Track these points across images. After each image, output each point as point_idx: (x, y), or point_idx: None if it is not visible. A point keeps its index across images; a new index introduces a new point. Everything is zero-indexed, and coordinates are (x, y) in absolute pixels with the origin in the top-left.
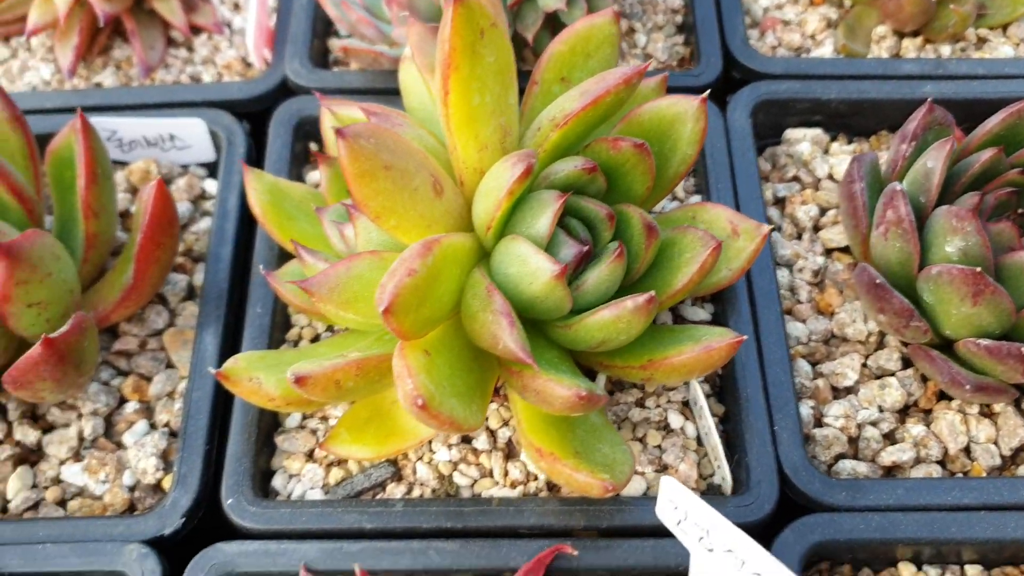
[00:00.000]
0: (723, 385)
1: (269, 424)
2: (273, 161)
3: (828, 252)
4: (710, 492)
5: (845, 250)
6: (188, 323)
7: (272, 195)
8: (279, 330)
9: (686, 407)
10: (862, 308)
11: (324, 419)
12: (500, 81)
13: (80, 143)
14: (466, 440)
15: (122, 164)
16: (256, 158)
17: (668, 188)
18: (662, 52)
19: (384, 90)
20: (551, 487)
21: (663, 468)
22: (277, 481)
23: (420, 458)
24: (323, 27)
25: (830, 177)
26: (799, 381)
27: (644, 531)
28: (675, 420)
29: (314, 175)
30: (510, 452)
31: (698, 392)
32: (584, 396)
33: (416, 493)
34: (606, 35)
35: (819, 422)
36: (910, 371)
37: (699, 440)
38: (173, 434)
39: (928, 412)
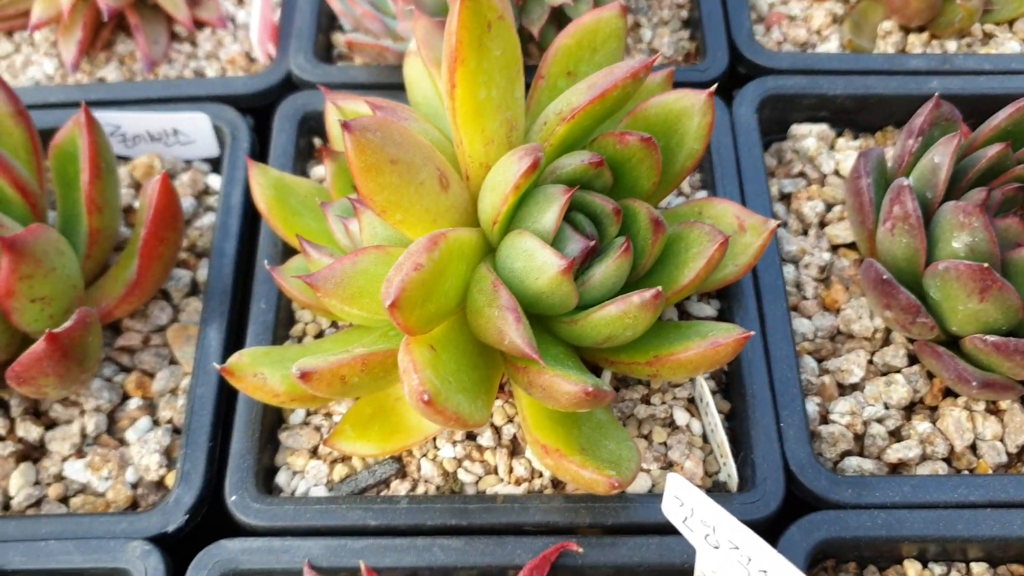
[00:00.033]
0: (729, 382)
1: (273, 421)
2: (277, 156)
3: (834, 248)
4: (716, 489)
5: (851, 246)
6: (192, 319)
7: (277, 190)
8: (283, 326)
9: (692, 404)
10: (868, 304)
11: (328, 416)
12: (507, 75)
13: (84, 138)
14: (471, 437)
15: (125, 159)
16: (260, 153)
17: (674, 183)
18: (667, 47)
19: (388, 85)
20: (556, 484)
21: (669, 465)
22: (281, 478)
23: (425, 455)
24: (327, 22)
25: (836, 173)
26: (805, 378)
27: (649, 528)
28: (681, 417)
29: (318, 170)
30: (515, 449)
31: (704, 389)
32: (591, 392)
33: (420, 490)
34: (613, 29)
35: (825, 419)
36: (916, 368)
37: (705, 437)
38: (176, 431)
39: (934, 409)
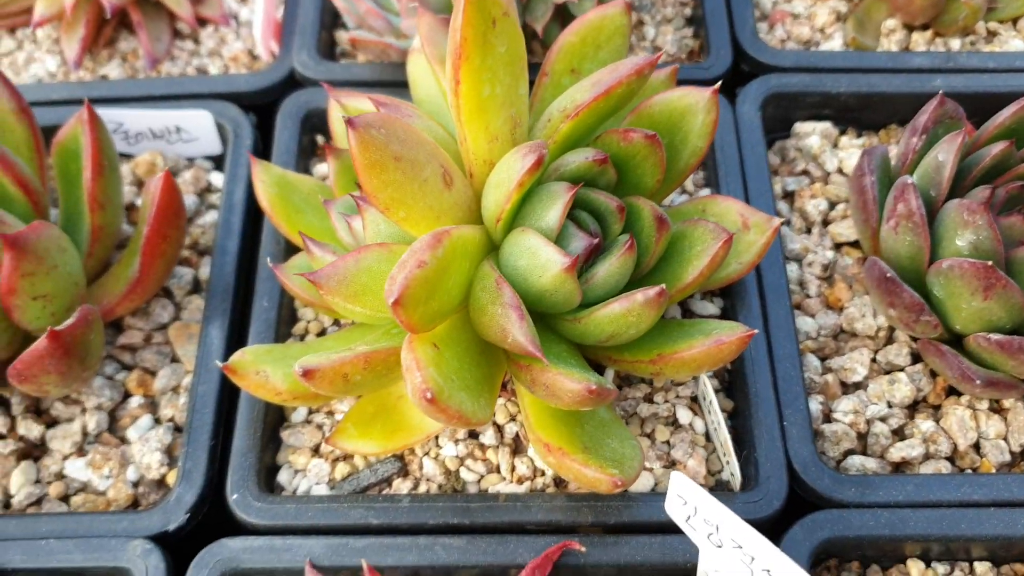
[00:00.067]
0: (732, 380)
1: (275, 419)
2: (280, 153)
3: (838, 246)
4: (719, 488)
5: (855, 244)
6: (194, 317)
7: (280, 188)
8: (285, 324)
9: (695, 402)
10: (872, 303)
11: (330, 414)
12: (511, 72)
13: (86, 135)
14: (473, 435)
15: (128, 157)
16: (263, 151)
17: (678, 181)
18: (671, 45)
19: (392, 82)
20: (558, 483)
21: (671, 464)
22: (282, 476)
23: (427, 453)
24: (331, 19)
25: (839, 171)
26: (808, 376)
27: (652, 527)
28: (684, 415)
29: (321, 168)
30: (517, 447)
31: (707, 387)
32: (594, 390)
33: (423, 489)
34: (617, 26)
35: (828, 418)
36: (919, 366)
37: (708, 436)
38: (178, 429)
39: (937, 408)
